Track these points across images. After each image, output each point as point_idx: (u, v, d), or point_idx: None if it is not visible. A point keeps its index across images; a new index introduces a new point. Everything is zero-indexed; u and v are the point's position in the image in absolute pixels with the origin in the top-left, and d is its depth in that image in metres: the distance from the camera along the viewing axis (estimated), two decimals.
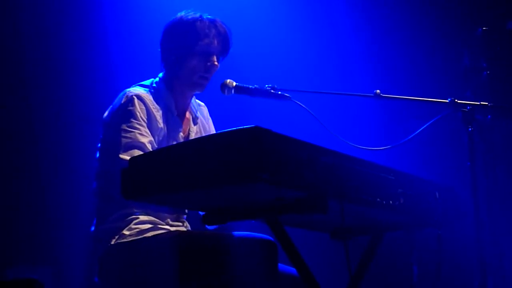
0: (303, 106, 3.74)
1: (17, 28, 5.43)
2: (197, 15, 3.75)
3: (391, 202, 2.90)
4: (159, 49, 3.81)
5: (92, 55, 5.62)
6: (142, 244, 3.40)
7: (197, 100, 3.95)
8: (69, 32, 5.57)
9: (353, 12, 6.21)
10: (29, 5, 5.46)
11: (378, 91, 3.92)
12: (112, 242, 3.43)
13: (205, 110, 4.00)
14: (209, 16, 3.77)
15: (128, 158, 3.31)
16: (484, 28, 5.59)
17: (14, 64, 5.40)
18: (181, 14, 3.78)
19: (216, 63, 3.73)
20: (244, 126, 2.44)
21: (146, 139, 3.47)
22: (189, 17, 3.75)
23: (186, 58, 3.71)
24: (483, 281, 3.68)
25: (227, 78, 3.79)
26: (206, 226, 3.52)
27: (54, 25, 5.52)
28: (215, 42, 3.73)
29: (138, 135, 3.46)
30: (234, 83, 3.78)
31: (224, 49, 3.78)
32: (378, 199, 2.83)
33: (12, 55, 5.39)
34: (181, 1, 5.46)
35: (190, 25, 3.72)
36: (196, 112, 3.88)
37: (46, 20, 5.51)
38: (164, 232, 3.48)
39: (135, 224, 3.46)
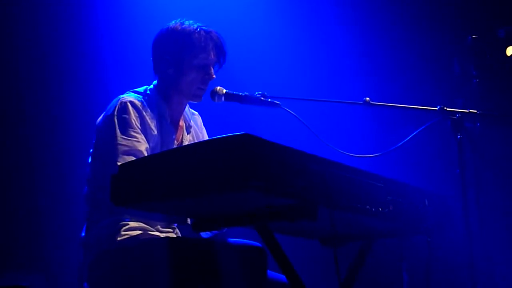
0: (293, 113, 3.74)
1: (10, 34, 5.43)
2: (194, 26, 3.74)
3: (380, 209, 2.90)
4: (152, 57, 3.79)
5: (84, 61, 5.62)
6: (132, 250, 3.39)
7: (190, 109, 3.95)
8: (63, 37, 5.57)
9: (344, 20, 6.23)
10: (25, 10, 5.45)
11: (367, 98, 3.93)
12: (102, 248, 3.43)
13: (198, 119, 4.00)
14: (205, 28, 3.76)
15: None
16: (474, 36, 5.61)
17: (7, 69, 5.39)
18: (176, 24, 3.76)
19: (213, 74, 3.74)
20: (234, 133, 2.44)
21: (143, 147, 3.48)
22: (185, 29, 3.73)
23: (184, 72, 3.71)
24: (473, 287, 3.69)
25: (217, 85, 3.79)
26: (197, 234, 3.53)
27: (47, 29, 5.52)
28: (212, 54, 3.74)
29: (135, 143, 3.46)
30: (224, 90, 3.78)
31: (220, 59, 3.80)
32: (368, 207, 2.83)
33: (4, 60, 5.39)
34: (173, 6, 5.50)
35: (188, 38, 3.71)
36: (190, 120, 3.88)
37: (40, 24, 5.51)
38: (153, 238, 3.48)
39: (125, 230, 3.46)
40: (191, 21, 3.77)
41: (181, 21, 3.77)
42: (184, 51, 3.70)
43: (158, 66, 3.77)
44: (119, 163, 3.31)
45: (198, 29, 3.73)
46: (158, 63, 3.77)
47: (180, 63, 3.71)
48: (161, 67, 3.76)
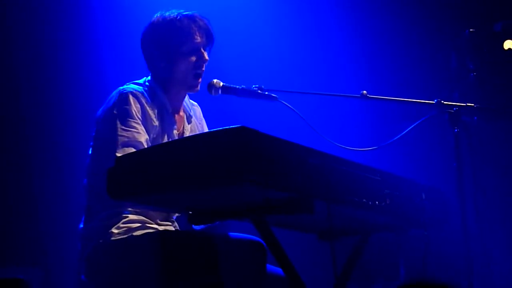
0: (290, 106, 3.74)
1: (7, 27, 5.42)
2: (174, 14, 3.70)
3: (377, 203, 2.90)
4: (143, 55, 3.77)
5: (82, 53, 5.62)
6: (130, 242, 3.38)
7: (190, 100, 3.93)
8: (60, 31, 5.56)
9: (341, 13, 6.22)
10: (21, 5, 5.45)
11: (364, 92, 3.92)
12: (100, 240, 3.42)
13: (198, 110, 3.99)
14: (186, 12, 3.72)
15: None
16: (471, 30, 5.60)
17: (4, 62, 5.38)
18: (157, 17, 3.73)
19: (205, 56, 3.72)
20: (230, 126, 2.44)
21: (143, 138, 3.46)
22: (166, 19, 3.70)
23: (175, 62, 3.69)
24: (469, 282, 3.69)
25: (214, 78, 3.78)
26: (193, 226, 3.53)
27: (44, 23, 5.51)
28: (198, 37, 3.71)
29: (135, 134, 3.45)
30: (221, 83, 3.77)
31: (208, 41, 3.76)
32: (365, 200, 2.83)
33: (2, 54, 5.37)
34: (171, 2, 5.49)
35: (170, 27, 3.68)
36: (190, 111, 3.87)
37: (36, 20, 5.50)
38: (152, 231, 3.47)
39: (124, 223, 3.45)
40: (173, 10, 3.74)
41: (161, 13, 3.74)
42: (170, 41, 3.68)
43: (150, 63, 3.76)
44: (118, 154, 3.33)
45: (179, 16, 3.70)
46: (149, 60, 3.76)
47: (170, 54, 3.68)
48: (152, 63, 3.74)
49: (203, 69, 3.74)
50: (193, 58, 3.70)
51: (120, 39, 5.65)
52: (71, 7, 5.63)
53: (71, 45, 5.60)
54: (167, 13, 3.73)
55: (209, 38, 3.76)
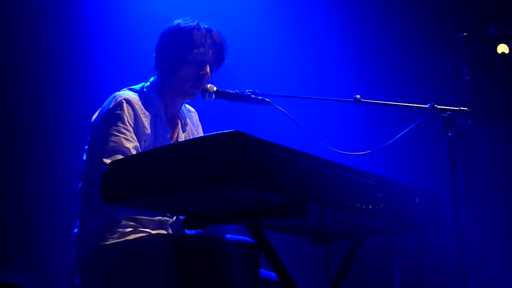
0: (284, 111, 3.74)
1: (0, 30, 5.41)
2: (194, 23, 3.74)
3: (371, 207, 2.90)
4: (154, 54, 3.80)
5: (79, 57, 5.61)
6: (124, 247, 3.39)
7: (187, 106, 3.93)
8: (56, 34, 5.55)
9: (334, 18, 6.23)
10: (15, 6, 5.44)
11: (358, 96, 3.93)
12: (94, 245, 3.43)
13: (195, 116, 3.99)
14: (206, 26, 3.76)
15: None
16: (465, 34, 5.62)
17: None
18: (179, 21, 3.77)
19: (208, 72, 3.73)
20: (224, 131, 2.44)
21: (131, 144, 3.46)
22: (186, 25, 3.74)
23: (179, 65, 3.70)
24: (464, 285, 3.69)
25: (208, 83, 3.78)
26: (186, 231, 3.53)
27: (40, 26, 5.51)
28: (210, 52, 3.72)
29: (123, 140, 3.44)
30: (215, 88, 3.77)
31: (218, 60, 3.78)
32: (358, 204, 2.83)
33: None
34: (165, 4, 5.50)
35: (187, 33, 3.71)
36: (186, 118, 3.87)
37: (31, 21, 5.49)
38: (145, 235, 3.48)
39: (117, 227, 3.46)
40: (195, 20, 3.77)
41: (184, 19, 3.78)
42: (181, 45, 3.70)
43: (158, 60, 3.77)
44: (105, 159, 3.34)
45: (198, 26, 3.74)
46: (157, 57, 3.78)
47: (176, 56, 3.70)
48: (159, 61, 3.76)
49: (203, 84, 3.74)
50: (196, 69, 3.71)
51: (116, 43, 5.65)
52: (66, 10, 5.63)
53: (66, 49, 5.59)
54: (188, 20, 3.76)
55: (219, 56, 3.78)
